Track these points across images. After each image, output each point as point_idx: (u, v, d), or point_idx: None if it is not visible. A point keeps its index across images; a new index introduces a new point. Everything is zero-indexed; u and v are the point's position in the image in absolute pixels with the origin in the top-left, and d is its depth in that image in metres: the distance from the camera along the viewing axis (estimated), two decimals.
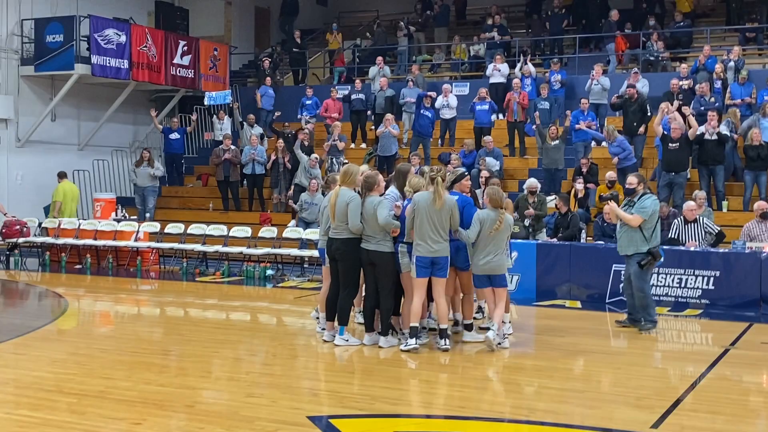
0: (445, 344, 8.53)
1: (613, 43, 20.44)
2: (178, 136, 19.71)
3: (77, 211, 17.63)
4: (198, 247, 15.21)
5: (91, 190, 19.67)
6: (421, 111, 17.80)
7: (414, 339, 8.48)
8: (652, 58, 19.64)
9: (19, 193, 18.51)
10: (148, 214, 17.78)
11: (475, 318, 9.65)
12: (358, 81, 19.66)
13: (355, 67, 22.36)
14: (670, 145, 14.54)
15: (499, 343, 8.71)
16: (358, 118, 19.50)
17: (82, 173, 19.72)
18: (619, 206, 9.98)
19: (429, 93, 18.20)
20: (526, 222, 13.91)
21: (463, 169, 9.81)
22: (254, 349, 9.11)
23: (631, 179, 10.03)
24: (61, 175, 17.37)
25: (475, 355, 8.58)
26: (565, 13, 21.96)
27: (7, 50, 18.84)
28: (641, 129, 16.18)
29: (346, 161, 16.25)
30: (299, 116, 19.39)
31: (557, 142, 15.91)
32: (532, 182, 14.39)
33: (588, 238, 13.83)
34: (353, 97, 19.27)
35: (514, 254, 11.67)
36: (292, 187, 16.65)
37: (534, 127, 16.93)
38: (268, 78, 20.47)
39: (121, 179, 20.64)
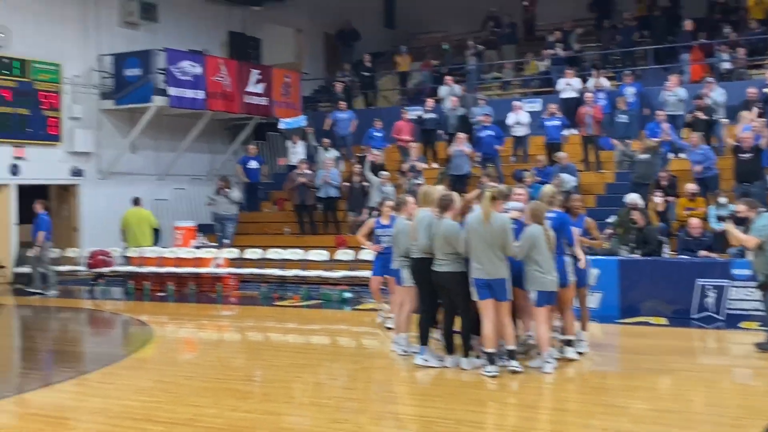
0: (515, 366, 8.30)
1: (688, 54, 20.00)
2: (256, 164, 19.95)
3: (155, 238, 17.83)
4: (276, 271, 15.35)
5: (171, 218, 20.02)
6: (482, 130, 17.74)
7: (493, 365, 8.28)
8: (728, 67, 19.14)
9: (102, 223, 18.95)
10: (227, 241, 18.01)
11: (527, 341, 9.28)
12: (430, 100, 19.64)
13: (425, 87, 22.36)
14: (741, 155, 14.12)
15: (540, 367, 8.40)
16: (429, 137, 19.46)
17: (162, 202, 20.12)
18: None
19: (485, 112, 18.21)
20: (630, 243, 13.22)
21: (501, 187, 9.70)
22: (335, 373, 9.09)
23: (740, 207, 9.67)
24: (133, 202, 17.69)
25: (559, 374, 8.38)
26: (637, 25, 21.58)
27: (88, 86, 19.40)
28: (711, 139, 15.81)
29: (421, 182, 16.22)
30: (364, 145, 19.30)
31: (647, 156, 15.44)
32: (634, 198, 13.52)
33: (671, 253, 13.46)
34: (425, 116, 19.25)
35: (596, 271, 11.42)
36: (367, 209, 16.67)
37: (614, 141, 16.62)
38: (342, 102, 20.57)
39: (200, 207, 20.97)
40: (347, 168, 18.94)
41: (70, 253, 17.49)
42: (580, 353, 9.01)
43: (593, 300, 11.41)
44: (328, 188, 17.97)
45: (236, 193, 18.71)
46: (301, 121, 19.57)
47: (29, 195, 17.95)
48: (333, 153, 19.14)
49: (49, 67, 18.45)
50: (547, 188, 9.29)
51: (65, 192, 19.49)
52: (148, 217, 17.52)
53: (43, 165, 18.41)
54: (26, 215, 18.05)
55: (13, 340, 12.76)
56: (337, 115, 20.32)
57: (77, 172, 19.19)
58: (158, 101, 18.96)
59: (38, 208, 16.29)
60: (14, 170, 17.91)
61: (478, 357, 8.61)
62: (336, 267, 15.13)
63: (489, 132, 17.83)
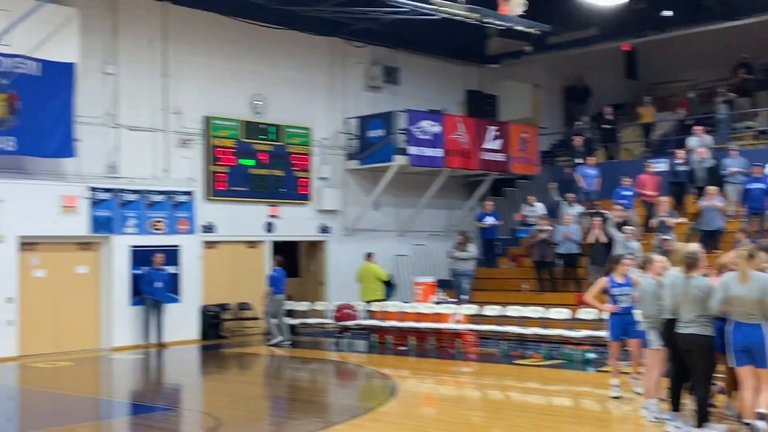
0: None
1: None
2: (492, 220, 20.11)
3: (387, 291, 18.30)
4: (515, 329, 15.24)
5: (411, 273, 20.55)
6: (750, 182, 16.70)
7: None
8: None
9: (347, 277, 19.82)
10: (465, 297, 18.17)
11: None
12: (680, 152, 18.84)
13: (671, 138, 21.56)
14: None
15: None
16: (677, 190, 18.66)
17: (402, 258, 20.73)
18: None
19: (738, 164, 17.14)
20: None
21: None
22: None
23: None
24: (368, 257, 18.33)
25: None
26: None
27: (335, 147, 20.56)
28: None
29: (670, 238, 15.57)
30: (611, 201, 18.76)
31: None
32: None
33: None
34: (677, 168, 18.50)
35: None
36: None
37: None
38: (591, 158, 20.17)
39: (439, 262, 21.35)
40: (589, 224, 18.54)
41: (318, 306, 18.37)
42: None
43: None
44: (568, 244, 17.68)
45: (473, 249, 18.88)
46: None
47: (282, 251, 19.19)
48: (577, 208, 18.83)
49: (301, 131, 19.77)
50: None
51: (313, 248, 20.63)
52: (377, 271, 18.07)
53: (294, 223, 19.63)
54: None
55: (265, 389, 13.58)
56: (585, 171, 19.93)
57: (325, 229, 20.28)
58: (399, 160, 19.68)
59: (274, 263, 17.50)
60: (269, 228, 19.23)
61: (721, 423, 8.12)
62: (578, 326, 14.72)
63: (759, 185, 16.81)
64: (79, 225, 16.23)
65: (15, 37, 14.57)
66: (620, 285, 10.45)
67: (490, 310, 15.96)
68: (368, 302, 17.45)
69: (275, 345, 16.98)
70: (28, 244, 15.75)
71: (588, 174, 19.78)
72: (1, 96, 14.92)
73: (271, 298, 17.22)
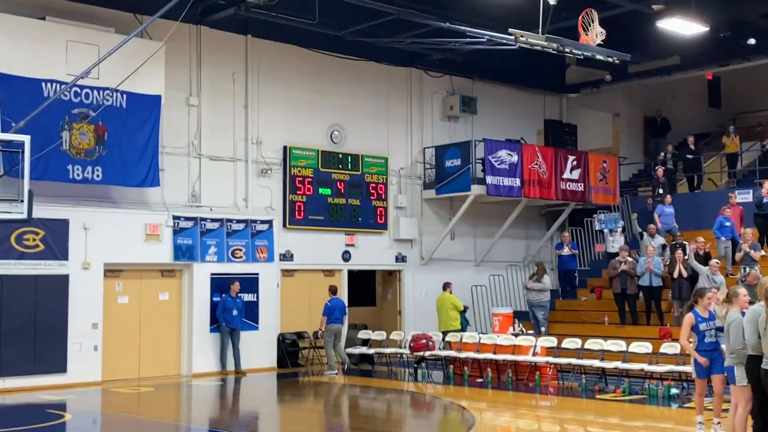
0: None
1: None
2: (571, 251, 19.86)
3: (464, 321, 18.23)
4: (596, 363, 14.93)
5: (488, 304, 20.41)
6: None
7: None
8: None
9: (423, 307, 19.80)
10: (543, 329, 17.94)
11: None
12: (766, 182, 18.33)
13: (756, 169, 21.00)
14: None
15: None
16: (762, 222, 18.12)
17: (479, 288, 20.59)
18: None
19: None
20: None
21: None
22: None
23: None
24: (444, 287, 18.24)
25: None
26: None
27: (412, 177, 20.64)
28: None
29: (755, 271, 15.13)
30: (717, 238, 18.25)
31: None
32: None
33: None
34: (761, 200, 17.98)
35: None
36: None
37: None
38: (668, 197, 19.75)
39: (517, 293, 21.16)
40: (671, 256, 18.13)
41: (395, 336, 18.34)
42: None
43: None
44: (651, 276, 17.30)
45: (548, 280, 18.67)
46: (617, 221, 19.28)
47: (358, 280, 19.28)
48: (659, 240, 18.44)
49: (378, 160, 19.91)
50: None
51: (390, 277, 20.67)
52: (453, 301, 17.97)
53: (371, 251, 19.72)
54: (357, 298, 19.46)
55: (341, 419, 13.58)
56: (662, 209, 19.47)
57: (401, 258, 20.31)
58: (476, 190, 19.62)
59: (329, 293, 17.54)
60: (346, 256, 19.36)
61: None
62: (661, 360, 14.41)
63: None
64: (162, 253, 16.58)
65: (103, 70, 15.04)
66: (705, 320, 10.13)
67: (570, 343, 15.69)
68: (444, 332, 17.36)
69: (331, 373, 16.99)
70: (112, 271, 16.15)
71: (665, 213, 19.39)
72: (90, 127, 15.44)
73: (326, 327, 17.27)
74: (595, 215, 20.27)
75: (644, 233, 18.66)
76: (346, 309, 18.03)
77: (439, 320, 17.95)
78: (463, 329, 17.90)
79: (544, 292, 18.44)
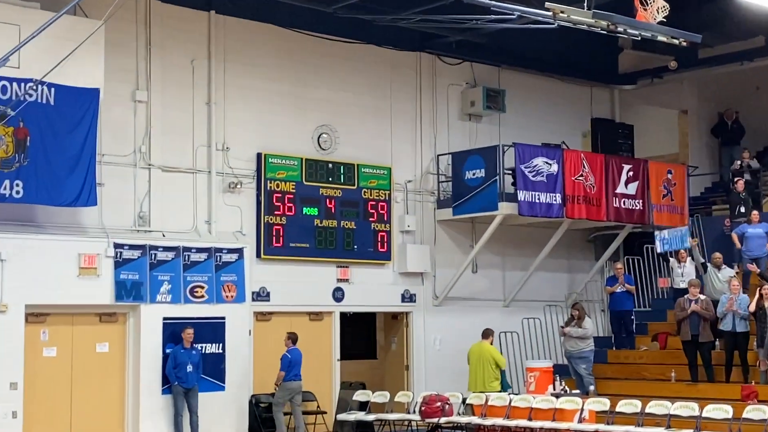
0: None
1: None
2: (626, 287, 19.76)
3: (503, 381, 18.02)
4: (661, 431, 14.87)
5: (522, 356, 20.17)
6: None
7: None
8: None
9: (438, 361, 19.53)
10: (591, 387, 17.73)
11: None
12: None
13: None
14: None
15: None
16: None
17: (509, 335, 20.37)
18: None
19: None
20: None
21: None
22: None
23: None
24: (484, 334, 18.03)
25: None
26: None
27: (422, 192, 20.46)
28: None
29: None
30: None
31: None
32: None
33: None
34: None
35: None
36: None
37: None
38: (755, 213, 19.54)
39: (557, 342, 20.92)
40: (752, 292, 17.98)
41: (401, 397, 18.11)
42: None
43: None
44: (733, 319, 17.04)
45: (590, 325, 18.46)
46: (684, 237, 19.07)
47: (354, 324, 19.03)
48: (728, 272, 18.25)
49: (379, 171, 19.76)
50: None
51: (395, 321, 20.49)
52: (494, 355, 17.75)
53: (370, 289, 19.56)
54: (352, 349, 19.17)
55: None
56: (747, 230, 19.32)
57: (409, 297, 20.07)
58: (505, 209, 19.48)
59: (287, 342, 17.28)
60: (338, 295, 19.13)
61: None
62: (745, 428, 14.41)
63: None
64: (100, 291, 16.33)
65: (24, 57, 14.84)
66: None
67: (627, 406, 15.75)
68: (480, 393, 17.08)
69: None
70: (36, 315, 15.90)
71: (752, 234, 19.16)
72: (7, 130, 15.21)
73: (282, 385, 17.08)
74: (656, 234, 19.99)
75: (709, 264, 18.48)
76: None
77: (471, 378, 17.75)
78: (505, 391, 17.61)
79: (586, 339, 18.44)
